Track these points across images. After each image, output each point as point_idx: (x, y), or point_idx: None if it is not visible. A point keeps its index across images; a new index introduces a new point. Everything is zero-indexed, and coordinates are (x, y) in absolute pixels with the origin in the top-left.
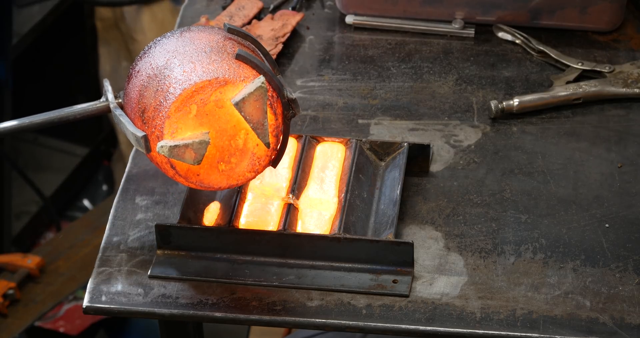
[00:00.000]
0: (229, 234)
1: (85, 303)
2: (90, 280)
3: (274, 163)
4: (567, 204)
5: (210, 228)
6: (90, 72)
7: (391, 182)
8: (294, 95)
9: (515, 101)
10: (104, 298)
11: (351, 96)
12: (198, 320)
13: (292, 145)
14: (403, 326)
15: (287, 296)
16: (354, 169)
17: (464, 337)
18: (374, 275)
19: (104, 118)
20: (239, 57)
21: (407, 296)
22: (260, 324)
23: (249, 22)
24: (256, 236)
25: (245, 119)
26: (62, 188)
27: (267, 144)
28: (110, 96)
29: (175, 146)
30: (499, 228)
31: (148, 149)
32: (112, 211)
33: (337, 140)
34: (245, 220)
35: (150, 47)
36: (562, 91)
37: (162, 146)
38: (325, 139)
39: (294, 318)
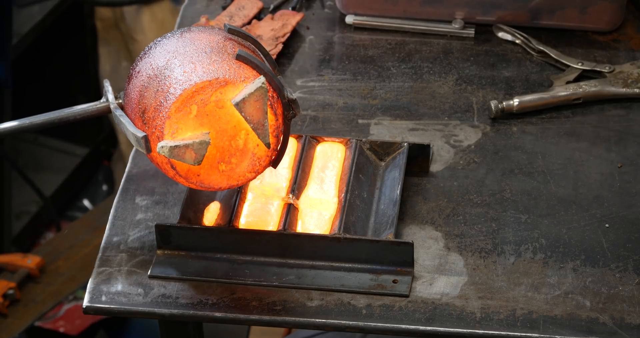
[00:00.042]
0: (229, 234)
1: (85, 303)
2: (90, 280)
3: (275, 163)
4: (567, 204)
5: (210, 228)
6: (90, 72)
7: (391, 182)
8: (294, 95)
9: (515, 101)
10: (104, 298)
11: (351, 96)
12: (198, 320)
13: (292, 145)
14: (403, 326)
15: (287, 296)
16: (354, 169)
17: (464, 337)
18: (374, 275)
19: (104, 118)
20: (239, 57)
21: (407, 296)
22: (260, 324)
23: (249, 22)
24: (256, 236)
25: (246, 119)
26: (62, 188)
27: (268, 145)
28: (110, 96)
29: (176, 146)
30: (499, 228)
31: (148, 149)
32: (112, 211)
33: (337, 140)
34: (245, 220)
35: (151, 47)
36: (562, 91)
37: (162, 147)
38: (325, 139)
39: (294, 318)
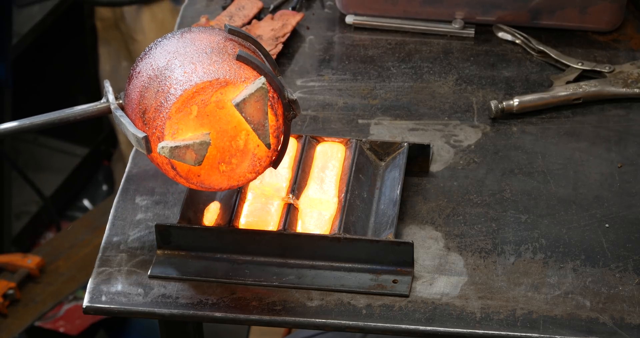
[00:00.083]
0: (229, 234)
1: (85, 303)
2: (90, 280)
3: (275, 163)
4: (567, 204)
5: (210, 228)
6: (90, 72)
7: (391, 182)
8: (295, 96)
9: (515, 101)
10: (104, 298)
11: (351, 96)
12: (198, 320)
13: (292, 145)
14: (403, 326)
15: (287, 296)
16: (354, 169)
17: (464, 337)
18: (374, 275)
19: (104, 118)
20: (239, 58)
21: (407, 296)
22: (260, 324)
23: (249, 22)
24: (256, 236)
25: (246, 120)
26: (62, 188)
27: (268, 145)
28: (111, 97)
29: (176, 147)
30: (499, 228)
31: (149, 150)
32: (112, 211)
33: (337, 140)
34: (245, 220)
35: (151, 48)
36: (562, 91)
37: (163, 147)
38: (325, 139)
39: (294, 318)
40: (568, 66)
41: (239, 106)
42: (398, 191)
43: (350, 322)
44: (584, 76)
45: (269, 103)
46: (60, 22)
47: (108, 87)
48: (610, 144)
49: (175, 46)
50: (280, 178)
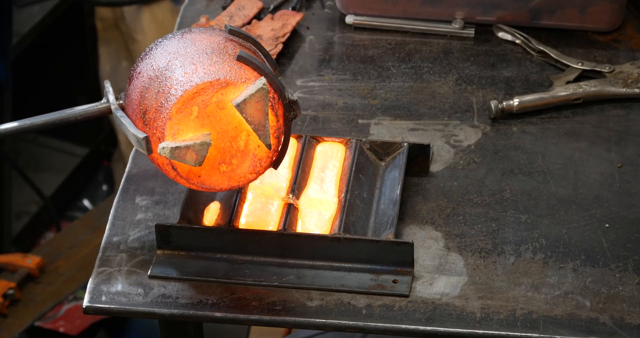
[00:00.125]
0: (229, 234)
1: (85, 303)
2: (90, 280)
3: (275, 164)
4: (567, 204)
5: (210, 228)
6: (90, 72)
7: (391, 182)
8: (295, 96)
9: (515, 101)
10: (104, 298)
11: (351, 96)
12: (198, 320)
13: (292, 145)
14: (403, 326)
15: (287, 296)
16: (354, 169)
17: (464, 337)
18: (374, 275)
19: (104, 118)
20: (240, 58)
21: (407, 296)
22: (260, 324)
23: (249, 22)
24: (256, 236)
25: (247, 120)
26: (62, 188)
27: (269, 146)
28: (111, 97)
29: (177, 147)
30: (499, 228)
31: (149, 150)
32: (112, 211)
33: (337, 140)
34: (245, 220)
35: (152, 48)
36: (562, 91)
37: (163, 148)
38: (325, 139)
39: (294, 318)
40: (568, 66)
41: (239, 106)
42: (398, 191)
43: (350, 322)
44: (584, 76)
45: (270, 104)
46: (60, 22)
47: (108, 87)
48: (610, 144)
49: (176, 46)
50: (280, 178)
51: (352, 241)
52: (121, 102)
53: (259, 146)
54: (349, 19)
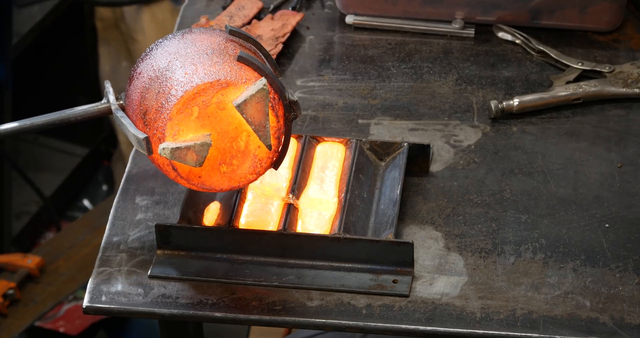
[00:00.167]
0: (229, 234)
1: (85, 303)
2: (90, 280)
3: (276, 165)
4: (567, 204)
5: (210, 228)
6: (90, 72)
7: (391, 182)
8: (295, 97)
9: (515, 101)
10: (104, 298)
11: (351, 96)
12: (198, 320)
13: (292, 145)
14: (403, 326)
15: (287, 296)
16: (354, 169)
17: (464, 337)
18: (374, 275)
19: (104, 118)
20: (240, 59)
21: (407, 296)
22: (260, 324)
23: (249, 22)
24: (256, 236)
25: (247, 121)
26: (62, 188)
27: (269, 146)
28: (111, 97)
29: (177, 148)
30: (499, 228)
31: (150, 151)
32: (112, 211)
33: (337, 140)
34: (245, 220)
35: (152, 49)
36: (562, 91)
37: (163, 148)
38: (325, 139)
39: (294, 318)
40: (568, 66)
41: (240, 107)
42: (398, 191)
43: (350, 322)
44: (584, 76)
45: (270, 104)
46: (60, 22)
47: (109, 88)
48: (610, 144)
49: (176, 47)
50: (280, 178)
51: (352, 241)
52: (121, 102)
53: (259, 147)
54: (349, 19)
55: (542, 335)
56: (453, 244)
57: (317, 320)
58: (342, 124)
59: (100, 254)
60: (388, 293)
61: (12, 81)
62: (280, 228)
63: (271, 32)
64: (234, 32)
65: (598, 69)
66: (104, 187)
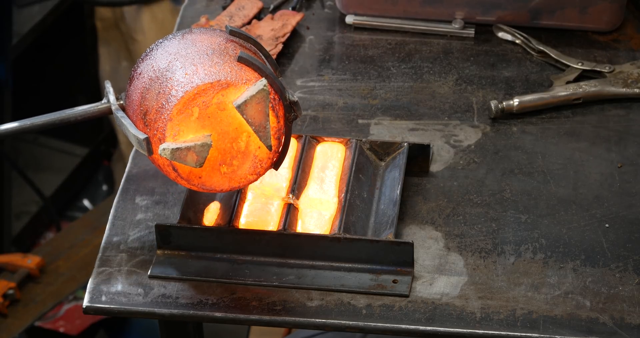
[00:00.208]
0: (229, 234)
1: (85, 303)
2: (90, 280)
3: (276, 165)
4: (567, 204)
5: (210, 228)
6: (90, 72)
7: (391, 182)
8: (296, 97)
9: (515, 101)
10: (104, 298)
11: (351, 96)
12: (198, 320)
13: (292, 145)
14: (403, 326)
15: (287, 296)
16: (354, 169)
17: (464, 337)
18: (374, 275)
19: (104, 118)
20: (241, 59)
21: (407, 296)
22: (260, 324)
23: (249, 22)
24: (256, 236)
25: (247, 121)
26: (62, 188)
27: (269, 147)
28: (111, 97)
29: (177, 148)
30: (499, 228)
31: (150, 151)
32: (112, 211)
33: (337, 140)
34: (245, 220)
35: (152, 49)
36: (562, 91)
37: (164, 149)
38: (325, 139)
39: (294, 318)
40: (568, 66)
41: (240, 107)
42: (398, 191)
43: (350, 322)
44: (584, 76)
45: (270, 105)
46: (60, 22)
47: (109, 88)
48: (610, 144)
49: (177, 47)
50: (280, 178)
51: (352, 241)
52: (122, 102)
53: (259, 147)
54: (349, 19)
55: (542, 335)
56: (453, 244)
57: (317, 320)
58: (342, 124)
59: (100, 254)
60: (388, 293)
61: (12, 81)
62: (280, 228)
63: (271, 32)
64: (234, 33)
65: (598, 69)
66: (104, 187)
